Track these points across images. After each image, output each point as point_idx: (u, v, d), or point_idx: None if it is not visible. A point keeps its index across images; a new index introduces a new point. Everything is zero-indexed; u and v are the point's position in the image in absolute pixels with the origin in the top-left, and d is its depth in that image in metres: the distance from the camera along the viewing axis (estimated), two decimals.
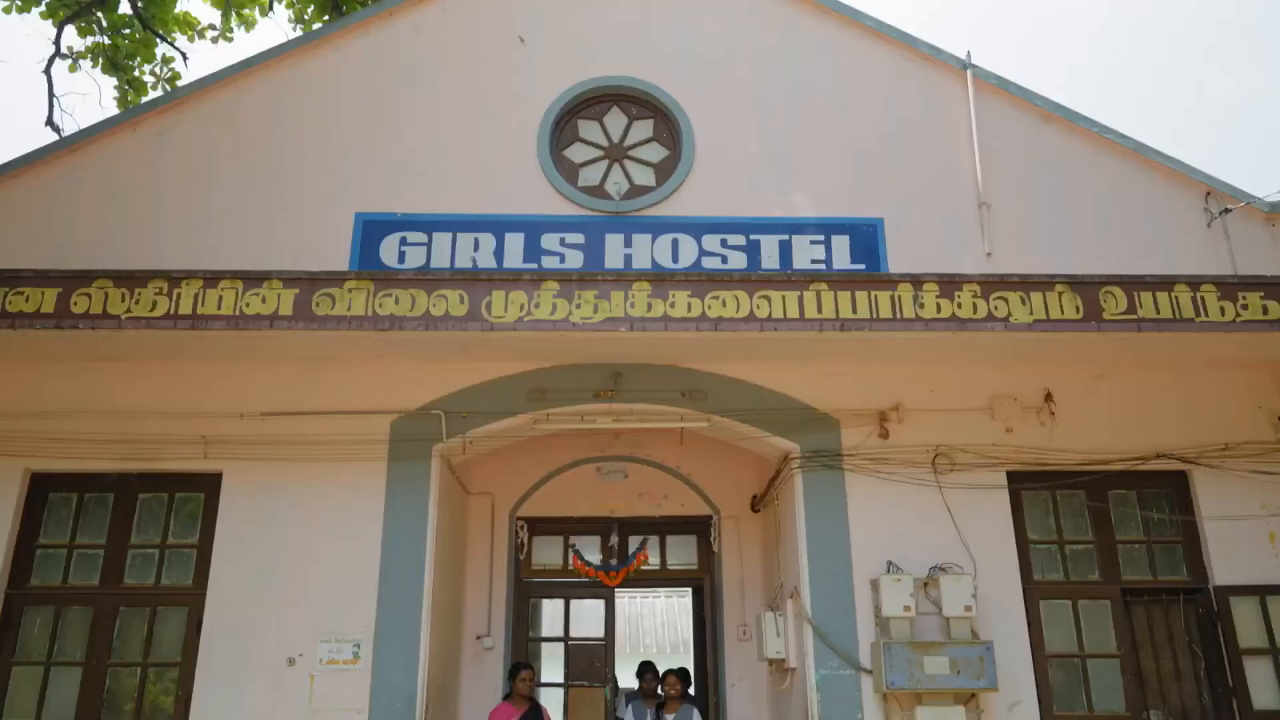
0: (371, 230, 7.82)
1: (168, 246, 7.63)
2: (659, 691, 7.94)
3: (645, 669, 8.15)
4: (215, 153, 8.06)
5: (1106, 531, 7.26)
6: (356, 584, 6.84)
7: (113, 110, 15.15)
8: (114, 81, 12.34)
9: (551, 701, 8.10)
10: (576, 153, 8.35)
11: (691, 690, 8.31)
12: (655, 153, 8.36)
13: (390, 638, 6.73)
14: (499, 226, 7.88)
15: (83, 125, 8.37)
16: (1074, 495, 7.33)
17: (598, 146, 8.40)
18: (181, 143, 8.10)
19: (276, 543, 6.92)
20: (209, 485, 7.15)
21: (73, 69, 12.28)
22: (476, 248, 7.82)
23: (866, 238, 7.89)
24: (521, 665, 7.57)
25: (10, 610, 6.87)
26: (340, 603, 6.79)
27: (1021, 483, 7.26)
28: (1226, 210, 7.99)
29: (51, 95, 12.08)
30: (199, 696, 6.61)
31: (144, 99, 12.05)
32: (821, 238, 7.89)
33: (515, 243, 7.85)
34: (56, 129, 12.02)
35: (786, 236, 7.90)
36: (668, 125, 8.38)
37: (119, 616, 6.94)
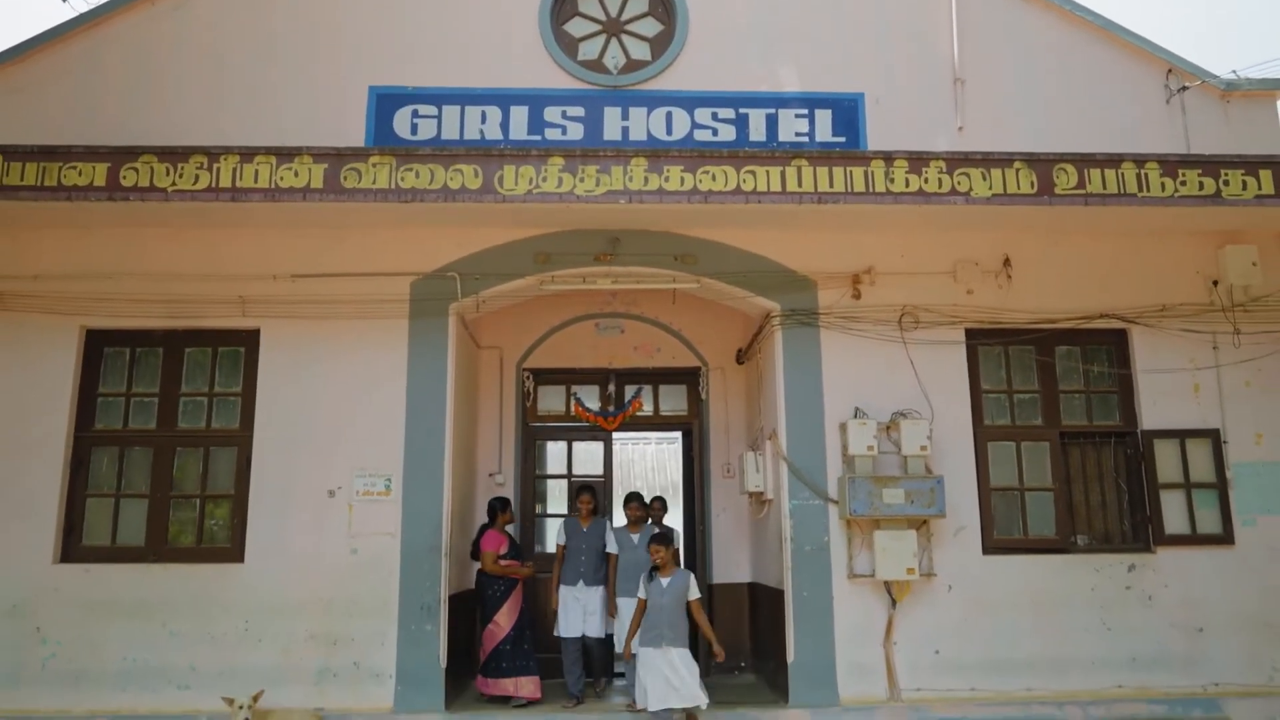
0: (385, 103, 8.35)
1: (190, 121, 8.16)
2: (648, 521, 8.42)
3: (630, 499, 8.57)
4: (233, 27, 8.48)
5: (1051, 382, 8.17)
6: (386, 426, 7.73)
7: None
8: None
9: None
10: (576, 27, 8.80)
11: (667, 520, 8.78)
12: (651, 27, 8.81)
13: (416, 473, 7.68)
14: (504, 100, 8.41)
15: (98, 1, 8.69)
16: (1024, 350, 8.19)
17: (596, 21, 8.84)
18: (199, 18, 8.50)
19: (312, 390, 7.76)
20: (248, 340, 7.94)
21: None
22: (484, 120, 8.38)
23: (848, 112, 8.46)
24: (503, 501, 8.41)
25: (80, 450, 7.76)
26: (372, 442, 7.70)
27: (978, 339, 8.10)
28: (1184, 88, 8.56)
29: None
30: (252, 524, 7.60)
31: None
32: (805, 112, 8.46)
33: (520, 116, 8.41)
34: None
35: (773, 110, 8.46)
36: None
37: (176, 455, 7.85)
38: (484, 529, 8.35)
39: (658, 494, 9.14)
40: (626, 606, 7.89)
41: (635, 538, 8.20)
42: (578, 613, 8.12)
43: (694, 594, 6.89)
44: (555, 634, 8.19)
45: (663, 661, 6.68)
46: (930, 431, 7.67)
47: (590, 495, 8.42)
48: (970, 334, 8.08)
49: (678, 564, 7.09)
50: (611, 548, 8.20)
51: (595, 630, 8.13)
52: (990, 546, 7.79)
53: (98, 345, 7.96)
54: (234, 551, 7.59)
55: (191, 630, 7.37)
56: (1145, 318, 8.11)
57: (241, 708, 6.82)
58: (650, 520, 8.54)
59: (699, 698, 6.67)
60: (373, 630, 7.41)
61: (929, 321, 8.02)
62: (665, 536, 7.05)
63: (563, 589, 8.18)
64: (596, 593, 8.17)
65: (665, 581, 6.88)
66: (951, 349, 8.02)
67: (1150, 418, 8.03)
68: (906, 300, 8.00)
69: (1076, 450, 8.10)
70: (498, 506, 8.32)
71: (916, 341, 7.98)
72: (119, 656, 7.32)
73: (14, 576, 7.41)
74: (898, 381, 7.91)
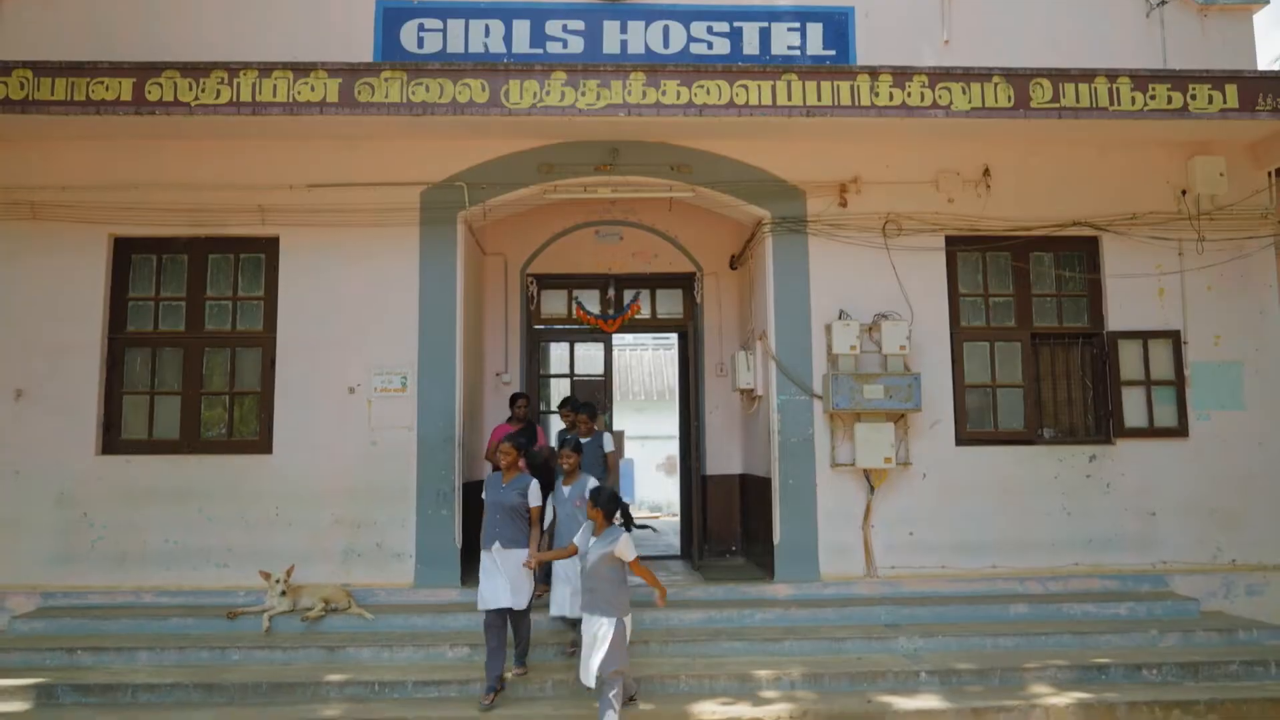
0: (392, 17, 8.64)
1: (208, 35, 8.43)
2: (575, 441, 7.24)
3: (565, 403, 8.38)
4: None
5: (1025, 287, 8.68)
6: (400, 328, 8.25)
7: None
8: None
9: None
10: None
11: (599, 426, 8.23)
12: None
13: (430, 371, 8.23)
14: (507, 14, 8.70)
15: None
16: (1001, 257, 8.69)
17: None
18: None
19: (331, 294, 8.26)
20: (268, 247, 8.40)
21: None
22: (487, 34, 8.68)
23: (838, 25, 8.77)
24: (519, 394, 9.04)
25: (114, 351, 8.30)
26: (388, 343, 8.23)
27: (958, 246, 8.59)
28: (1163, 1, 8.85)
29: None
30: (278, 418, 8.19)
31: None
32: (797, 25, 8.76)
33: (522, 29, 8.70)
34: None
35: (766, 24, 8.77)
36: None
37: (205, 356, 8.39)
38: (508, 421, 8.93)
39: (586, 401, 8.39)
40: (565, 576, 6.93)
41: (566, 490, 6.96)
42: (500, 581, 6.58)
43: (627, 554, 6.03)
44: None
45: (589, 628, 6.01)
46: (910, 332, 8.21)
47: (513, 444, 6.83)
48: (950, 241, 8.55)
49: (610, 520, 6.20)
50: (534, 501, 6.74)
51: (516, 600, 6.59)
52: (963, 439, 8.41)
53: (125, 252, 8.41)
54: (262, 444, 8.20)
55: (226, 515, 8.02)
56: (1116, 225, 8.58)
57: (278, 581, 7.52)
58: (576, 431, 7.96)
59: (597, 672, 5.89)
60: (393, 515, 8.07)
61: (911, 229, 8.48)
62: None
63: (481, 554, 6.75)
64: (517, 557, 6.62)
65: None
66: (932, 255, 8.51)
67: (1116, 320, 8.58)
68: (890, 208, 8.46)
69: (1046, 350, 8.67)
70: (511, 400, 8.88)
71: (899, 248, 8.46)
72: (160, 539, 7.98)
73: (60, 468, 8.01)
74: (880, 286, 8.42)
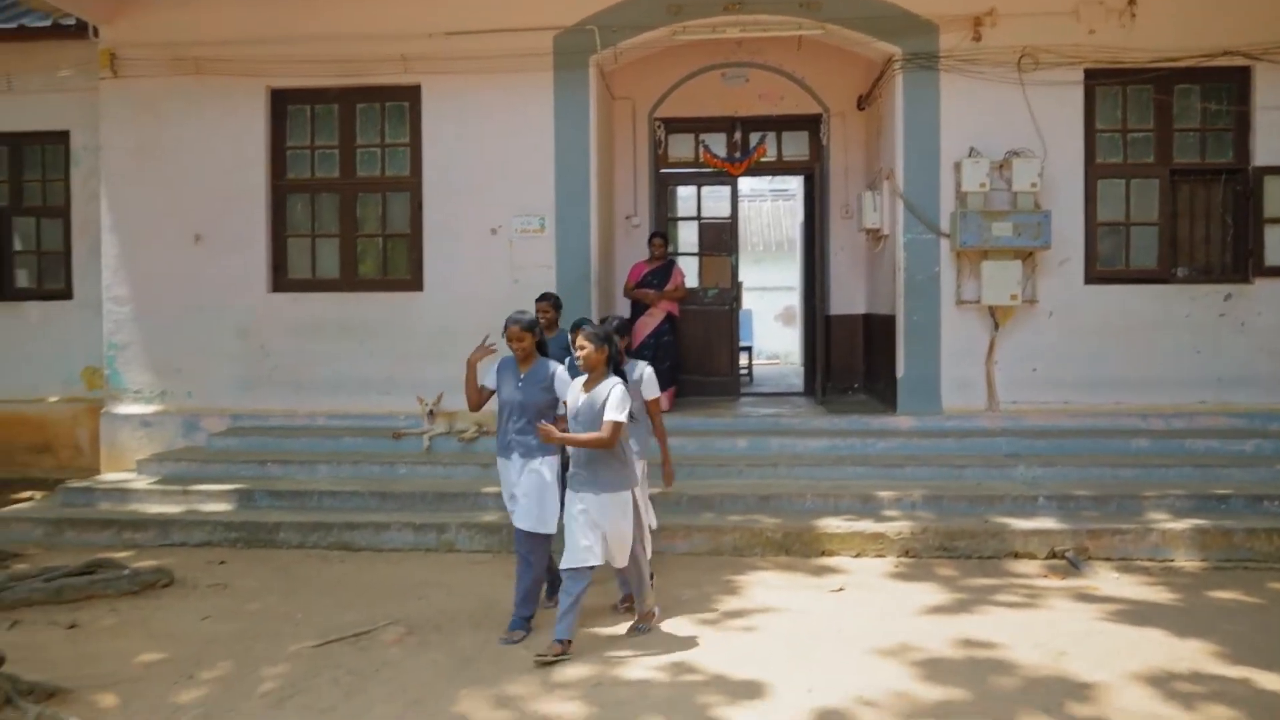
0: None
1: None
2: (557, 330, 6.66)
3: (542, 297, 6.92)
4: None
5: (1166, 121, 8.43)
6: (537, 172, 8.63)
7: None
8: None
9: (688, 267, 10.11)
10: None
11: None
12: None
13: (566, 213, 8.64)
14: None
15: None
16: (1142, 90, 8.42)
17: None
18: None
19: (470, 140, 8.67)
20: (411, 95, 8.81)
21: None
22: None
23: None
24: (657, 233, 9.43)
25: (278, 197, 8.96)
26: (526, 186, 8.64)
27: (1097, 79, 8.35)
28: None
29: None
30: (427, 259, 8.78)
31: None
32: None
33: None
34: None
35: None
36: None
37: (357, 200, 8.98)
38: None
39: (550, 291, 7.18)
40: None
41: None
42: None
43: (612, 415, 4.81)
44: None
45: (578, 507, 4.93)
46: (1042, 169, 8.13)
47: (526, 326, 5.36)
48: (1089, 75, 8.32)
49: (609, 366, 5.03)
50: (563, 392, 5.27)
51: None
52: (1092, 276, 8.41)
53: (282, 104, 8.96)
54: (414, 282, 8.84)
55: (384, 348, 8.75)
56: (1271, 54, 8.18)
57: (428, 405, 8.24)
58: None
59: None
60: None
61: (1048, 63, 8.27)
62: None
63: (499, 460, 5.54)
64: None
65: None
66: (1069, 89, 8.31)
67: (1264, 154, 8.29)
68: (1026, 42, 8.24)
69: (1185, 187, 8.47)
70: (651, 237, 9.32)
71: (1034, 83, 8.28)
72: (328, 369, 8.80)
73: (238, 305, 8.85)
74: (1013, 123, 8.30)
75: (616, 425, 4.82)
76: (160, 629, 5.27)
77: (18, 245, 9.98)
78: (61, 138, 9.70)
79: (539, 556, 5.22)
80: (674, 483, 5.97)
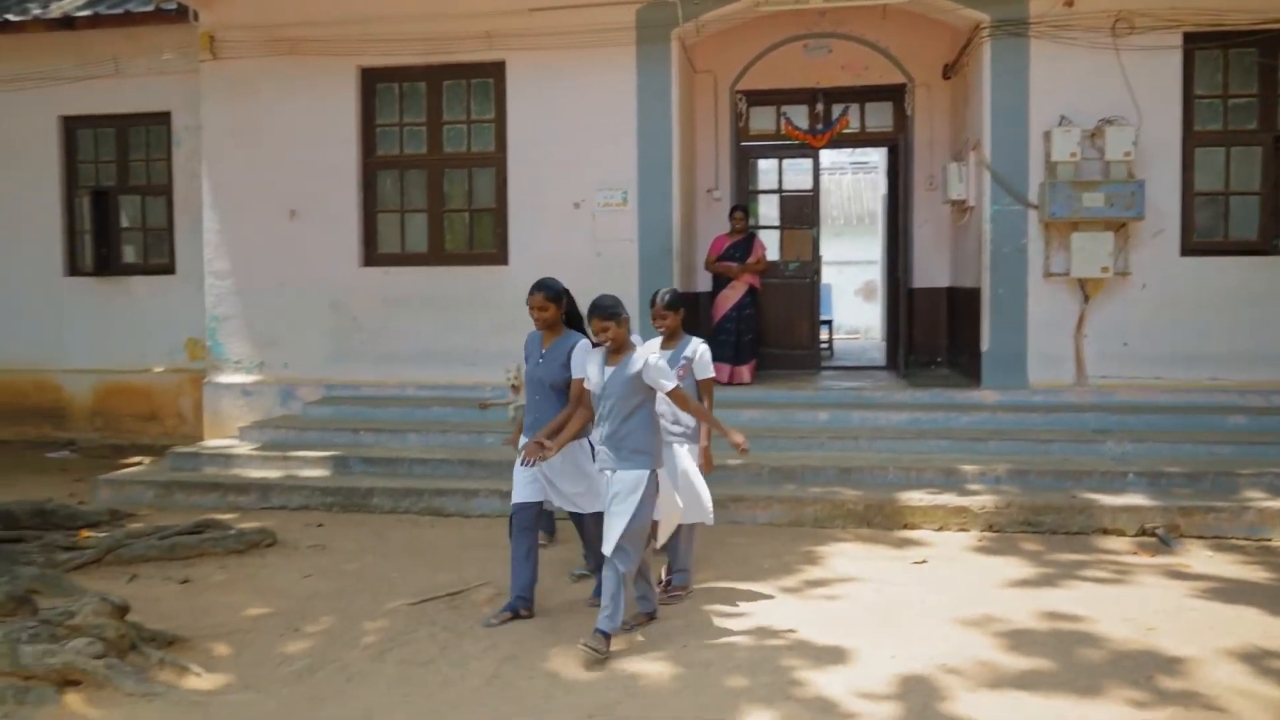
0: None
1: None
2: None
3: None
4: None
5: (1271, 86, 8.12)
6: (619, 146, 8.71)
7: None
8: None
9: (769, 240, 10.11)
10: None
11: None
12: None
13: (648, 187, 8.70)
14: None
15: None
16: (1245, 54, 8.11)
17: None
18: None
19: (553, 115, 8.78)
20: (495, 72, 8.95)
21: None
22: None
23: None
24: (738, 206, 9.44)
25: (368, 173, 9.21)
26: (609, 160, 8.72)
27: (1196, 43, 8.07)
28: None
29: None
30: (512, 232, 8.95)
31: None
32: None
33: None
34: None
35: None
36: None
37: (444, 176, 9.19)
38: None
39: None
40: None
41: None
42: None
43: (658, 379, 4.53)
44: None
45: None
46: (1136, 137, 7.90)
47: (552, 296, 5.03)
48: (1188, 38, 8.05)
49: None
50: (578, 372, 4.85)
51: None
52: (1189, 248, 8.17)
53: (371, 82, 9.19)
54: (499, 256, 9.02)
55: (471, 320, 8.95)
56: None
57: (509, 373, 8.40)
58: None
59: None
60: None
61: (1144, 27, 8.02)
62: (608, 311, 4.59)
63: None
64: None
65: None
66: (1166, 54, 8.05)
67: None
68: (1121, 6, 8.00)
69: None
70: (730, 212, 9.37)
71: (1129, 48, 8.04)
72: (416, 341, 9.04)
73: (331, 278, 9.14)
74: (1105, 90, 8.07)
75: (580, 383, 4.74)
76: (266, 585, 5.55)
77: (124, 222, 10.46)
78: (164, 119, 10.11)
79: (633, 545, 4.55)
80: (713, 469, 5.29)
